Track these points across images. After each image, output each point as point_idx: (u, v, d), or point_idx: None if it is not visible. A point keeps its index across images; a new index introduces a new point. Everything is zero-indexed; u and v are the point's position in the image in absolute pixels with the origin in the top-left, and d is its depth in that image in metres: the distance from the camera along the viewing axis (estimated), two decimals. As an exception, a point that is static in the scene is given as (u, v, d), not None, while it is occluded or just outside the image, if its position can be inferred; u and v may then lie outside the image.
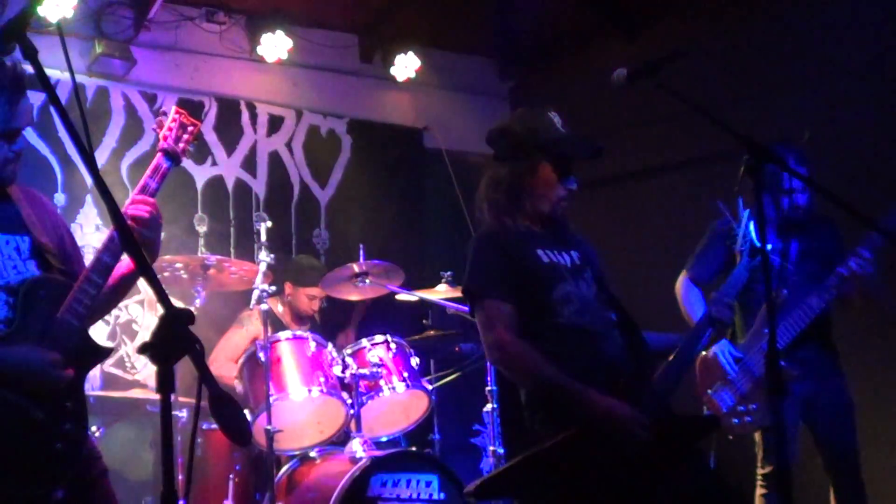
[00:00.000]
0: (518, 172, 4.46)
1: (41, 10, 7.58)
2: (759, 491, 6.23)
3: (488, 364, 6.85)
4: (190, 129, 4.60)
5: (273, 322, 7.54)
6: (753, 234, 4.24)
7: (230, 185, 9.20)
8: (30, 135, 8.09)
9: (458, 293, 7.40)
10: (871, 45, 7.77)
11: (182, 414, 6.86)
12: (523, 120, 4.57)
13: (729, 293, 4.31)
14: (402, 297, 7.51)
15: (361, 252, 7.45)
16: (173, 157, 4.46)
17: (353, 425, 6.82)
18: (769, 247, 4.23)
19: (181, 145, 4.53)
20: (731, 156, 3.76)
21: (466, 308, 7.03)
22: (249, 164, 9.32)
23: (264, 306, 6.74)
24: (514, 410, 4.27)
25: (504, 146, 4.56)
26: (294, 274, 8.09)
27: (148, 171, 4.36)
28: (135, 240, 3.00)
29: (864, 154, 7.65)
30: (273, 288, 6.88)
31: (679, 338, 4.41)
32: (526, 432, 4.19)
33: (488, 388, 6.87)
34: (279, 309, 8.06)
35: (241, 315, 7.87)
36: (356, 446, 6.64)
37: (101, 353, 4.17)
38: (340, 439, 6.96)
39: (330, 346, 7.05)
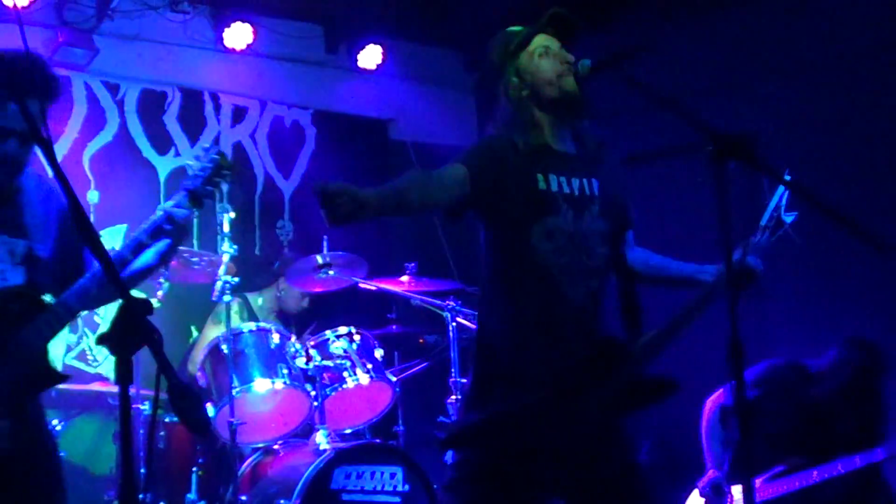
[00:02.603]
0: (510, 80, 4.26)
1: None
2: None
3: (453, 355, 6.85)
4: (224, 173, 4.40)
5: (250, 316, 7.55)
6: (783, 209, 4.16)
7: (193, 175, 9.14)
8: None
9: (422, 285, 7.39)
10: (844, 37, 7.83)
11: (145, 406, 6.82)
12: (493, 46, 4.39)
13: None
14: (366, 288, 7.48)
15: (325, 244, 7.42)
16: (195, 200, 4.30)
17: (316, 417, 6.81)
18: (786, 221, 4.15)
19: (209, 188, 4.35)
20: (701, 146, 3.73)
21: (430, 299, 7.09)
22: (213, 155, 9.26)
23: (227, 297, 6.71)
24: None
25: (490, 78, 4.37)
26: (291, 270, 7.99)
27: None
28: (92, 229, 2.96)
29: (833, 148, 7.71)
30: (237, 279, 6.84)
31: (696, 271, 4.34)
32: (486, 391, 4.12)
33: (452, 380, 6.86)
34: (258, 303, 8.03)
35: (218, 309, 7.79)
36: (320, 438, 6.64)
37: (55, 379, 4.11)
38: (304, 431, 6.96)
39: (294, 338, 7.04)
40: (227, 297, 6.71)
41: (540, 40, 4.31)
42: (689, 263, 4.38)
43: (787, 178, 4.07)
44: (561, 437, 3.91)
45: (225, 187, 4.43)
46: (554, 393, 3.88)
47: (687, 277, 4.35)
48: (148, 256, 4.13)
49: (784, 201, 4.15)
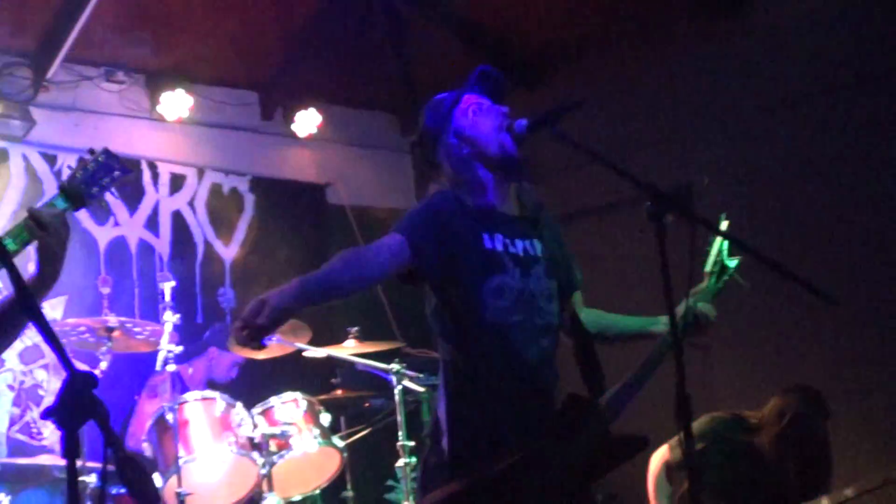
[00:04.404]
0: (448, 142, 4.24)
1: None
2: None
3: (399, 419, 6.83)
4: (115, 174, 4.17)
5: (182, 387, 7.47)
6: (725, 254, 4.20)
7: (133, 245, 9.11)
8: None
9: (366, 348, 7.38)
10: (777, 87, 7.95)
11: (91, 479, 6.75)
12: (425, 114, 4.43)
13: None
14: (310, 354, 7.45)
15: (268, 310, 7.37)
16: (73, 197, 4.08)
17: (265, 485, 6.75)
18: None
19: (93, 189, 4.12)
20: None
21: (374, 363, 7.07)
22: (152, 223, 9.24)
23: (171, 367, 6.68)
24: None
25: (429, 147, 4.35)
26: (222, 338, 7.95)
27: None
28: (36, 304, 2.95)
29: (769, 199, 7.79)
30: (181, 348, 6.81)
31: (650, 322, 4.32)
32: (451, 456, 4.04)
33: (400, 443, 6.84)
34: (189, 372, 7.97)
35: (151, 382, 7.72)
36: (269, 506, 6.58)
37: None
38: (253, 499, 6.89)
39: (239, 405, 6.98)
40: (171, 367, 6.68)
41: (470, 98, 4.29)
42: (639, 317, 4.38)
43: (725, 222, 4.11)
44: (535, 499, 3.88)
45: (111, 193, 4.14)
46: (527, 455, 3.84)
47: (641, 331, 4.34)
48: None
49: (725, 246, 4.20)
